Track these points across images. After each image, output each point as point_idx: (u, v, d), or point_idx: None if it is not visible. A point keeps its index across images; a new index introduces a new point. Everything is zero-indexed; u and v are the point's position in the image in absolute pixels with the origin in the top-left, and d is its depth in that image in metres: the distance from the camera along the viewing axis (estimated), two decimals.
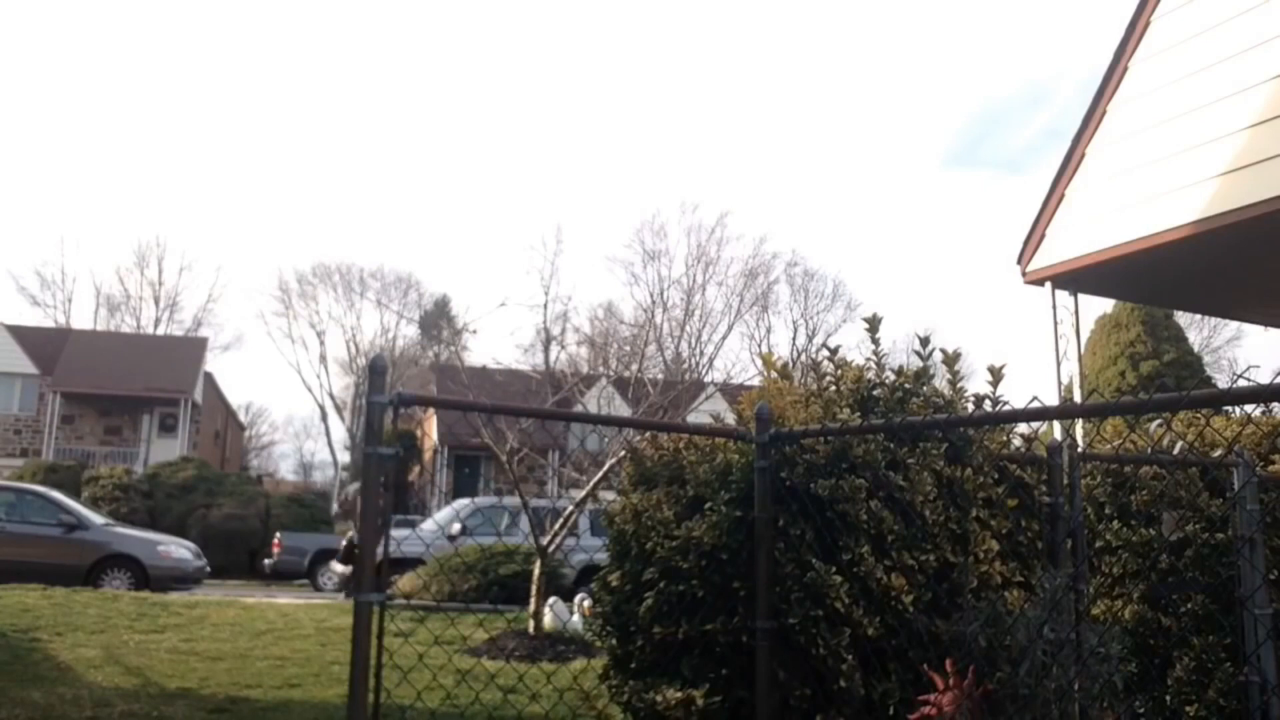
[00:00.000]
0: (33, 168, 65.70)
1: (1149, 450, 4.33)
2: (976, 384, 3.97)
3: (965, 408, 3.77)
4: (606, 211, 66.08)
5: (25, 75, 63.37)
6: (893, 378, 3.80)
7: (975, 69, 66.10)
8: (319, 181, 71.15)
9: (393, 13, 65.87)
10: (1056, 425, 6.11)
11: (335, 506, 35.98)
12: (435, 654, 5.21)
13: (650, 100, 66.55)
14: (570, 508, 8.98)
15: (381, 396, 2.71)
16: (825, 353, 4.01)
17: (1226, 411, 4.99)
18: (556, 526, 9.03)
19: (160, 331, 44.11)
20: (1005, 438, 3.75)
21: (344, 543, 15.95)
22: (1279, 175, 5.76)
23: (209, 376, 35.71)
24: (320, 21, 66.69)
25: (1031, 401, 2.58)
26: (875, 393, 3.74)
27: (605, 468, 8.78)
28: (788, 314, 44.40)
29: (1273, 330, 9.04)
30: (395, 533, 2.50)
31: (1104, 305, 18.75)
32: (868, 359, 3.87)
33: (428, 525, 15.79)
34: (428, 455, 34.65)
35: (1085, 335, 16.45)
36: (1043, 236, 7.33)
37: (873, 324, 3.90)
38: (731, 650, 3.34)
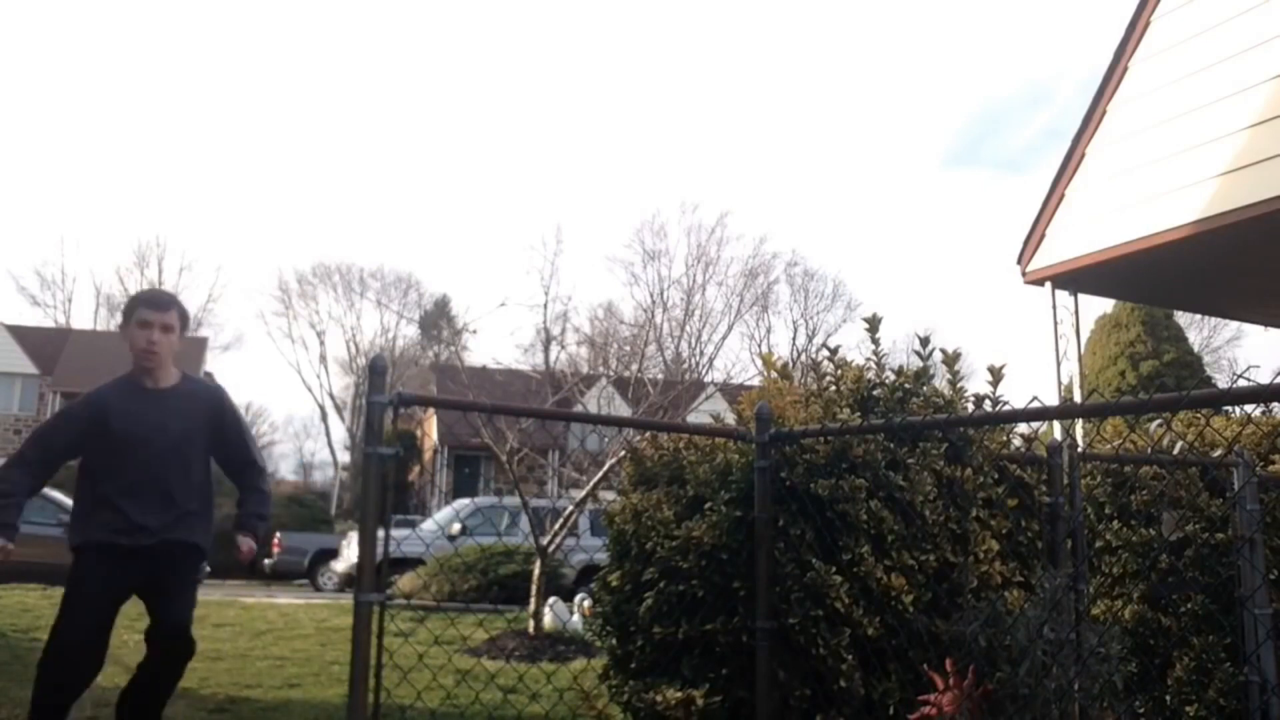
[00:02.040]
0: (33, 168, 65.73)
1: (1149, 450, 4.33)
2: (976, 384, 3.97)
3: (965, 408, 3.77)
4: (606, 211, 66.10)
5: (25, 75, 63.41)
6: (893, 378, 3.80)
7: (975, 69, 66.13)
8: (319, 181, 71.15)
9: (392, 13, 65.89)
10: (1056, 425, 6.11)
11: (335, 507, 35.97)
12: (435, 654, 5.21)
13: (650, 100, 66.58)
14: (570, 508, 8.98)
15: (381, 396, 2.71)
16: (825, 353, 4.01)
17: (1226, 411, 5.00)
18: (556, 526, 9.03)
19: None
20: (1005, 438, 3.75)
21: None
22: (1279, 175, 5.76)
23: (209, 376, 35.73)
24: (320, 22, 66.72)
25: (1031, 401, 2.58)
26: (875, 393, 3.74)
27: (605, 468, 8.78)
28: (788, 314, 44.35)
29: (1273, 330, 9.04)
30: (395, 533, 2.51)
31: (1104, 305, 18.75)
32: (868, 359, 3.88)
33: (428, 525, 15.79)
34: (428, 455, 34.63)
35: (1085, 335, 16.46)
36: (1043, 236, 7.33)
37: (873, 324, 3.90)
38: (731, 650, 3.34)
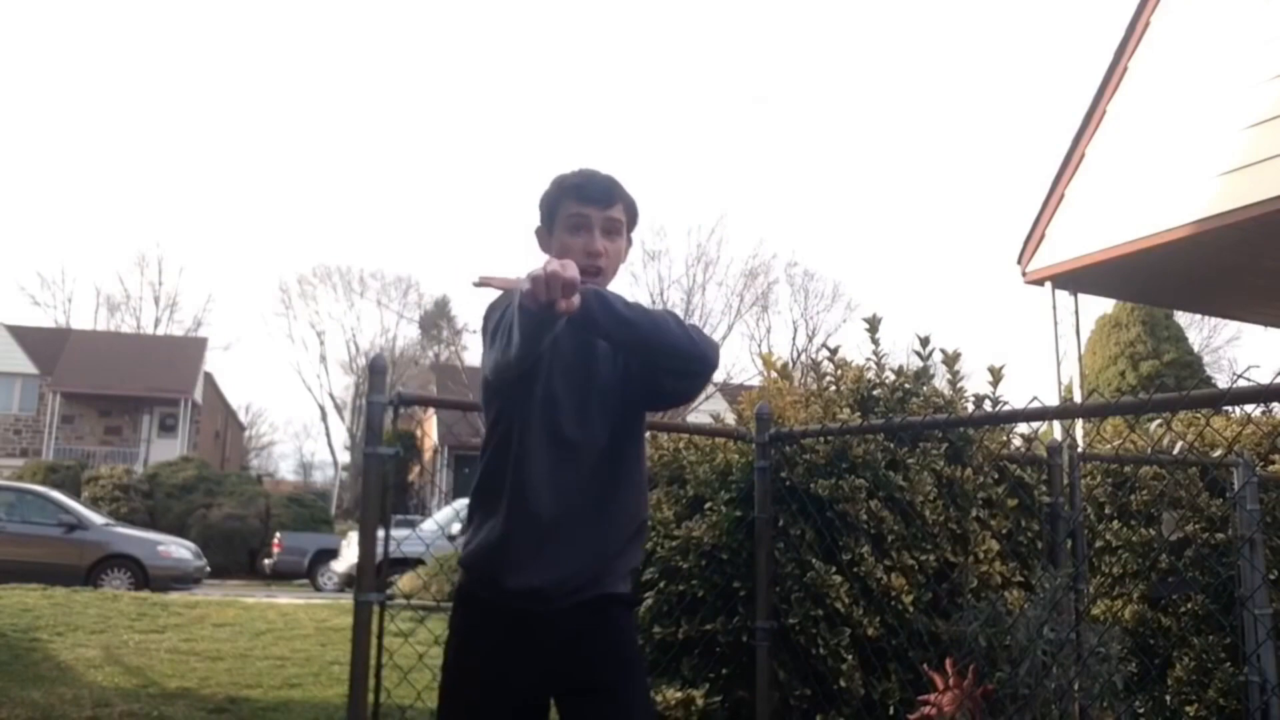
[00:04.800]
0: (33, 168, 65.72)
1: (1149, 450, 4.33)
2: (976, 384, 3.97)
3: (965, 408, 3.77)
4: None
5: (26, 78, 63.40)
6: (893, 378, 3.80)
7: (975, 68, 66.11)
8: (319, 183, 71.16)
9: (392, 15, 65.90)
10: (1056, 425, 6.11)
11: (335, 507, 35.98)
12: (435, 654, 5.20)
13: (649, 100, 66.58)
14: None
15: (381, 396, 2.71)
16: (825, 353, 4.01)
17: (1226, 411, 4.99)
18: None
19: (160, 332, 44.05)
20: (1005, 438, 3.75)
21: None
22: (1279, 175, 5.77)
23: (209, 376, 35.70)
24: (321, 24, 66.73)
25: (1031, 401, 2.58)
26: (875, 393, 3.74)
27: None
28: (788, 314, 44.37)
29: (1273, 330, 9.05)
30: (395, 533, 2.52)
31: (1104, 305, 18.72)
32: (868, 359, 3.87)
33: (428, 525, 15.77)
34: (428, 455, 34.63)
35: (1085, 335, 16.45)
36: (1043, 236, 7.34)
37: (872, 324, 3.90)
38: (731, 650, 3.34)
